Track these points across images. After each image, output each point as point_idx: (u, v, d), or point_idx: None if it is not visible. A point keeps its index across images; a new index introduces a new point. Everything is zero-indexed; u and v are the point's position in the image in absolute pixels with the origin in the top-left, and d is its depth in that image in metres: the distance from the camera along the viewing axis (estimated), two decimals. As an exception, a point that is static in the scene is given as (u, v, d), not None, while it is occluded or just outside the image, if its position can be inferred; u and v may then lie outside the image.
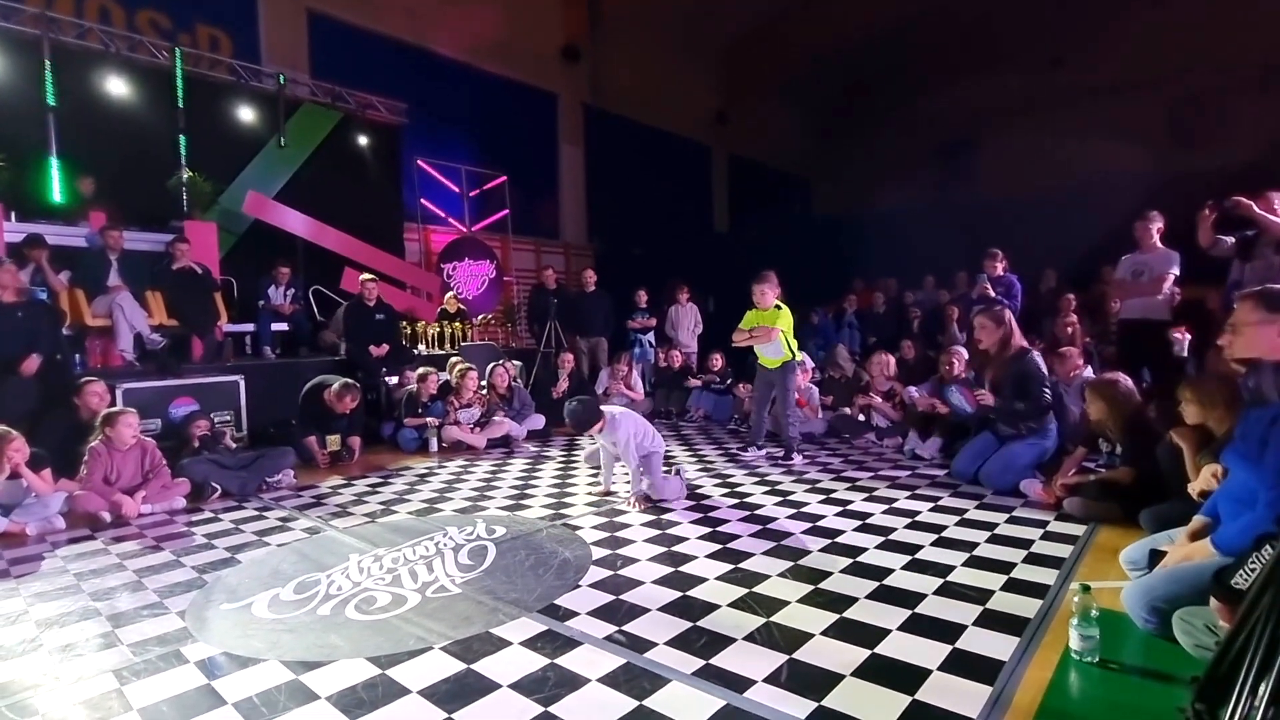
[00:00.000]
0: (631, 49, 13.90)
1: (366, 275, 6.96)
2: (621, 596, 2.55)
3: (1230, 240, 4.22)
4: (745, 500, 3.92)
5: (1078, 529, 3.19)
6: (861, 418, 5.82)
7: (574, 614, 2.41)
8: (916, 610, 2.34)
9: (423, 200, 10.45)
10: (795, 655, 2.05)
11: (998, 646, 2.07)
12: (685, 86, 15.19)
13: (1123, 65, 13.00)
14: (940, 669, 1.95)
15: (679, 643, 2.17)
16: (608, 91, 13.73)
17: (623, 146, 13.88)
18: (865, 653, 2.05)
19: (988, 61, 14.12)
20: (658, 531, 3.36)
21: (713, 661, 2.04)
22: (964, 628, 2.20)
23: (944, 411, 4.89)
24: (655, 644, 2.16)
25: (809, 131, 17.83)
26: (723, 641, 2.16)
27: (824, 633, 2.20)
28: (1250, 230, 4.08)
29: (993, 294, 6.35)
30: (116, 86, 7.20)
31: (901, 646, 2.08)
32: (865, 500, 3.84)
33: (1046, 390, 3.95)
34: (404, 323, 7.62)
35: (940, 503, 3.75)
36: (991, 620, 2.25)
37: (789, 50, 14.90)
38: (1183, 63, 12.34)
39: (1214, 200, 4.15)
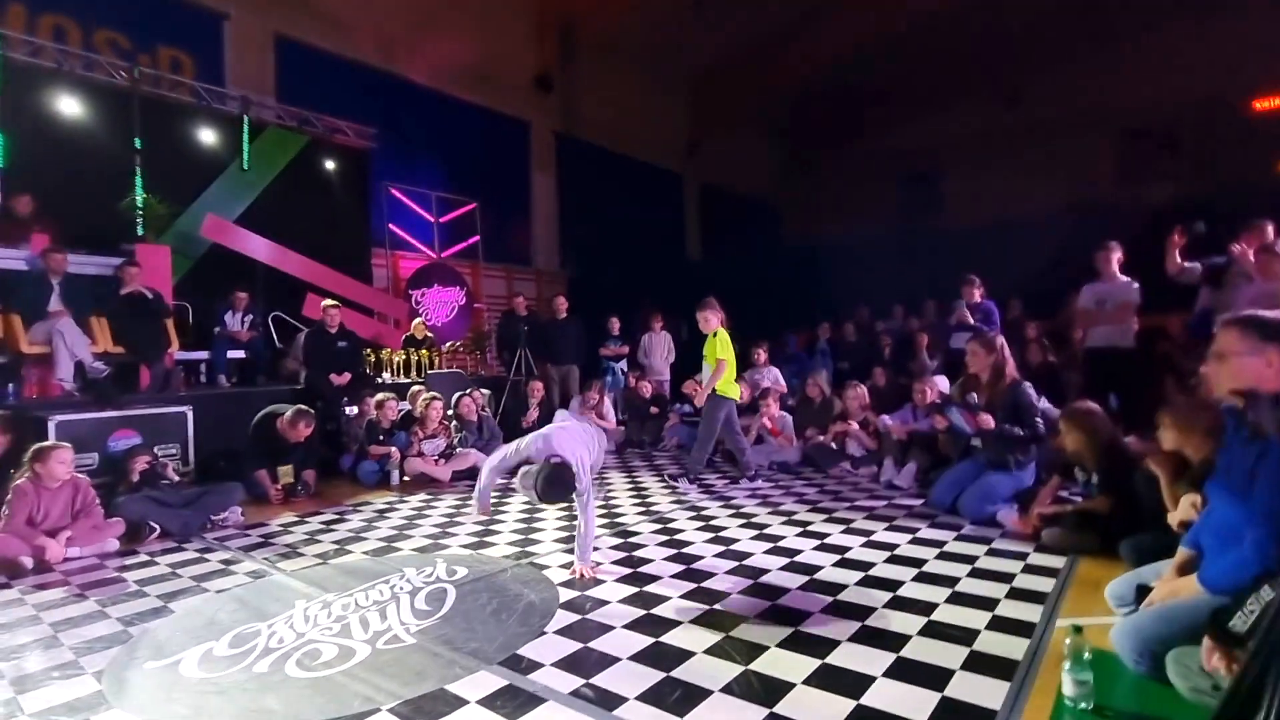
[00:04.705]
0: (603, 79, 14.05)
1: (329, 301, 6.74)
2: (590, 644, 2.38)
3: (1198, 267, 4.27)
4: (720, 534, 3.78)
5: (1058, 561, 3.12)
6: (834, 446, 5.75)
7: (538, 665, 2.23)
8: (902, 654, 2.22)
9: (391, 226, 10.28)
10: (776, 709, 1.90)
11: (988, 693, 1.95)
12: (656, 116, 15.38)
13: (1075, 101, 13.55)
14: (930, 721, 1.82)
15: (651, 697, 2.00)
16: (580, 120, 13.82)
17: (595, 174, 13.92)
18: (851, 704, 1.92)
19: (948, 95, 14.62)
20: (629, 570, 3.20)
21: (687, 718, 1.88)
22: (952, 672, 2.08)
23: (930, 429, 4.86)
24: (626, 699, 1.99)
25: (778, 161, 18.18)
26: (699, 694, 2.00)
27: (806, 681, 2.06)
28: (1220, 257, 4.13)
29: (971, 320, 6.38)
30: (69, 105, 6.95)
31: (889, 696, 1.95)
32: (843, 533, 3.73)
33: (1040, 420, 3.92)
34: (368, 350, 7.38)
35: (919, 534, 3.66)
36: (979, 663, 2.14)
37: (758, 82, 15.21)
38: (1133, 99, 12.90)
39: (1181, 225, 4.21)
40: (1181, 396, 3.55)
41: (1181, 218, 4.67)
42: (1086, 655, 1.85)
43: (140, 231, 6.99)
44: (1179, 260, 4.28)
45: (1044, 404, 5.14)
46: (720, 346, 4.98)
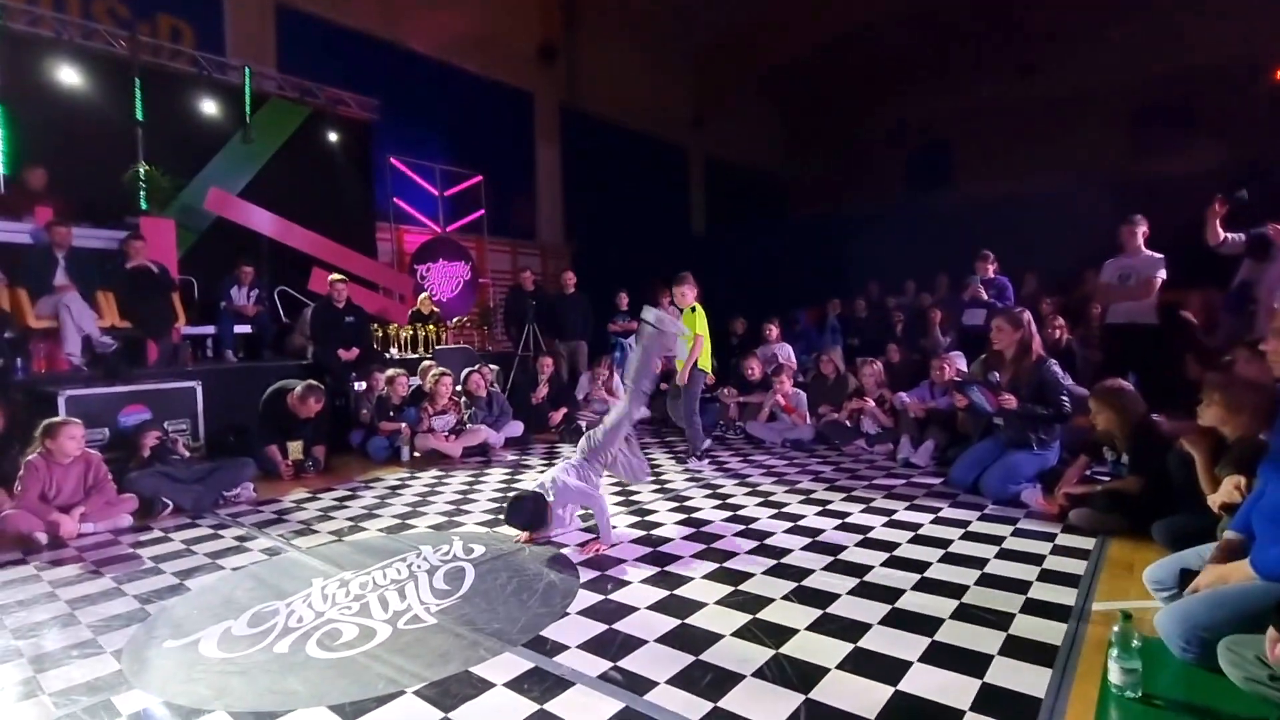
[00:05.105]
0: (608, 50, 13.73)
1: (336, 275, 6.64)
2: (614, 626, 2.33)
3: (1241, 237, 4.10)
4: (739, 513, 3.72)
5: (1087, 542, 3.06)
6: (849, 423, 5.68)
7: (563, 647, 2.18)
8: (936, 638, 2.16)
9: (396, 199, 10.13)
10: (812, 695, 1.85)
11: (1031, 681, 1.89)
12: (661, 88, 15.05)
13: (1091, 73, 13.21)
14: (973, 709, 1.76)
15: (681, 681, 1.95)
16: (584, 92, 13.53)
17: (599, 147, 13.68)
18: (889, 690, 1.86)
19: (960, 68, 14.26)
20: (649, 549, 3.15)
21: (721, 704, 1.83)
22: (990, 658, 2.02)
23: (947, 407, 4.78)
24: (655, 683, 1.94)
25: (785, 134, 17.84)
26: (730, 679, 1.95)
27: (839, 666, 2.01)
28: (1266, 228, 3.95)
29: (985, 296, 6.26)
30: (69, 75, 6.79)
31: (927, 683, 1.90)
32: (863, 512, 3.68)
33: (1066, 399, 3.82)
34: (375, 325, 7.31)
35: (941, 514, 3.60)
36: (1018, 648, 2.08)
37: (765, 54, 14.88)
38: (1149, 71, 12.56)
39: (1222, 193, 4.02)
40: (1216, 374, 3.43)
41: (1197, 192, 4.49)
42: (1135, 643, 1.79)
43: (144, 205, 6.87)
44: (1220, 230, 4.08)
45: (1068, 382, 5.05)
46: (698, 322, 4.98)
